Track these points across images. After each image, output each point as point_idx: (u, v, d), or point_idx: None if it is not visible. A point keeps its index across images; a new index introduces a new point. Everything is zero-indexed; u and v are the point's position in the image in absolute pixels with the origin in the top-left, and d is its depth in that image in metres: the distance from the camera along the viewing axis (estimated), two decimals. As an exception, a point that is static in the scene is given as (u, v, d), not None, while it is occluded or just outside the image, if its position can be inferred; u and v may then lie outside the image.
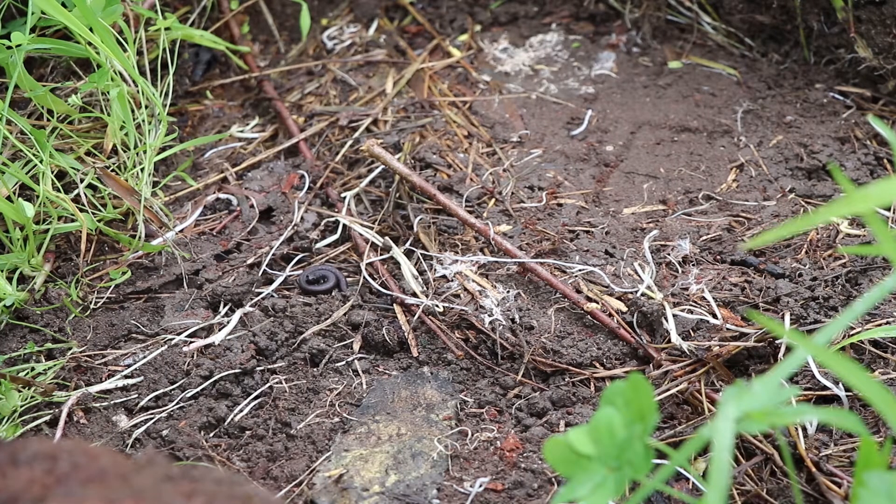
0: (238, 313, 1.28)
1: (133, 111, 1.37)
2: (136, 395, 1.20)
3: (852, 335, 1.11)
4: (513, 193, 1.42)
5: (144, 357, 1.24)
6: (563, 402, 1.18)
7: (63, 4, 1.29)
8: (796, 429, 1.08)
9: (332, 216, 1.42)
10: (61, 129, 1.38)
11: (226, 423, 1.17)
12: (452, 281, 1.28)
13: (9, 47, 1.28)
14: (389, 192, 1.42)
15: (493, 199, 1.41)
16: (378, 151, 1.37)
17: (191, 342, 1.25)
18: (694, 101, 1.61)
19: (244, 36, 1.74)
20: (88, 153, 1.39)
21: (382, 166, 1.42)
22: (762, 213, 1.39)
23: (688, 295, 1.25)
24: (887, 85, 1.55)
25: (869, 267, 1.26)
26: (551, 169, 1.48)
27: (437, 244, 1.35)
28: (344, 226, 1.40)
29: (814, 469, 1.05)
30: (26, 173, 1.32)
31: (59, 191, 1.31)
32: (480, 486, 1.07)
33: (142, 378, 1.22)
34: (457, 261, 1.30)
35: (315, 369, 1.24)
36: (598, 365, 1.21)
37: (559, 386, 1.20)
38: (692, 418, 1.14)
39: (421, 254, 1.33)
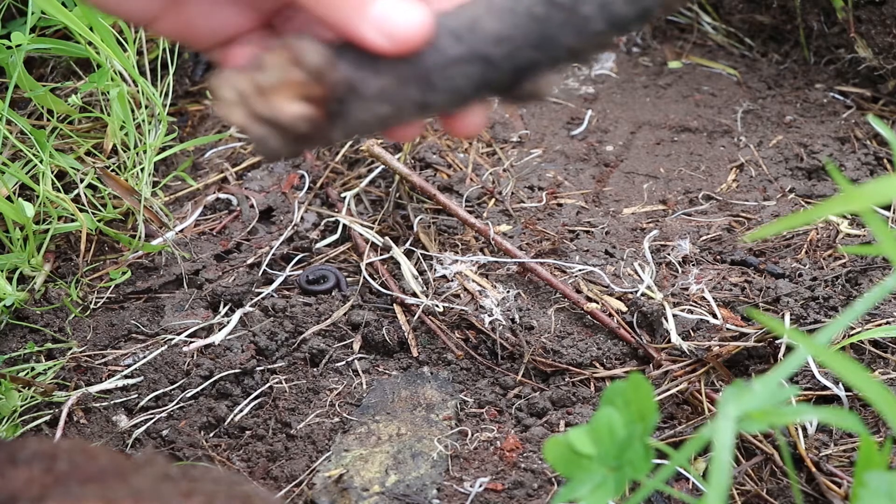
0: (238, 313, 1.28)
1: (133, 111, 1.37)
2: (136, 395, 1.20)
3: (852, 335, 1.11)
4: (513, 193, 1.42)
5: (144, 357, 1.24)
6: (563, 402, 1.18)
7: (63, 4, 1.29)
8: (796, 429, 1.08)
9: (332, 216, 1.42)
10: (61, 129, 1.38)
11: (226, 423, 1.17)
12: (452, 281, 1.28)
13: (9, 47, 1.28)
14: (389, 192, 1.42)
15: (493, 199, 1.41)
16: (378, 151, 1.37)
17: (191, 342, 1.25)
18: (694, 101, 1.61)
19: (244, 36, 1.73)
20: (88, 153, 1.39)
21: (382, 166, 1.42)
22: (762, 213, 1.39)
23: (688, 295, 1.24)
24: (887, 85, 1.55)
25: (869, 267, 1.26)
26: (551, 169, 1.48)
27: (437, 244, 1.34)
28: (344, 226, 1.40)
29: (814, 469, 1.04)
30: (26, 173, 1.32)
31: (59, 191, 1.31)
32: (480, 486, 1.07)
33: (142, 378, 1.22)
34: (457, 261, 1.30)
35: (315, 369, 1.24)
36: (598, 365, 1.20)
37: (559, 386, 1.19)
38: (692, 418, 1.14)
39: (421, 254, 1.32)
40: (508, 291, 1.26)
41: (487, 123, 1.56)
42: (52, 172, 1.32)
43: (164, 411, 1.19)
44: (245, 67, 0.56)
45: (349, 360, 1.25)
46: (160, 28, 0.65)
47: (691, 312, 1.21)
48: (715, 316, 1.20)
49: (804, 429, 1.09)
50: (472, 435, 1.15)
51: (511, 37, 0.56)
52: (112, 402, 1.20)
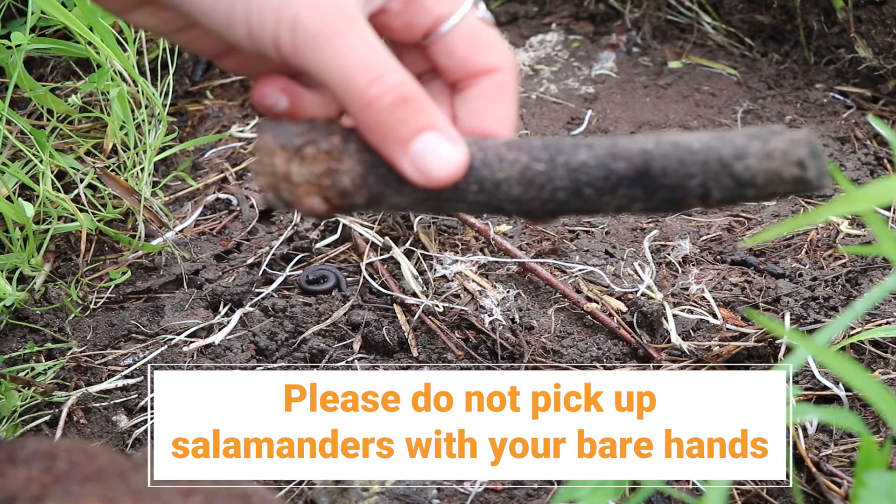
0: (238, 313, 1.28)
1: (133, 111, 1.37)
2: (136, 395, 1.20)
3: (852, 335, 1.11)
4: (513, 193, 1.42)
5: (144, 357, 1.24)
6: (563, 402, 1.18)
7: (63, 4, 1.29)
8: (796, 429, 1.08)
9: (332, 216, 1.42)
10: (61, 129, 1.38)
11: (226, 423, 1.17)
12: (452, 281, 1.28)
13: (9, 47, 1.28)
14: (389, 192, 1.42)
15: (493, 199, 1.41)
16: (378, 151, 1.37)
17: (191, 342, 1.25)
18: (694, 101, 1.61)
19: (244, 36, 1.73)
20: (88, 153, 1.39)
21: (382, 166, 1.42)
22: (762, 213, 1.39)
23: (688, 295, 1.24)
24: (887, 85, 1.55)
25: (869, 267, 1.25)
26: (551, 169, 1.48)
27: (437, 244, 1.34)
28: (344, 226, 1.40)
29: (814, 469, 1.04)
30: (26, 173, 1.32)
31: (59, 191, 1.31)
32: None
33: (142, 378, 1.22)
34: (457, 261, 1.30)
35: (315, 369, 1.24)
36: (598, 365, 1.20)
37: (559, 386, 1.19)
38: (692, 418, 1.14)
39: (421, 254, 1.32)
40: (508, 291, 1.26)
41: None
42: (52, 172, 1.32)
43: (164, 411, 1.19)
44: (286, 145, 0.60)
45: (349, 360, 1.25)
46: (177, 39, 0.66)
47: (691, 312, 1.21)
48: (715, 316, 1.20)
49: (804, 429, 1.09)
50: (472, 435, 1.14)
51: (528, 203, 0.60)
52: (112, 402, 1.20)
